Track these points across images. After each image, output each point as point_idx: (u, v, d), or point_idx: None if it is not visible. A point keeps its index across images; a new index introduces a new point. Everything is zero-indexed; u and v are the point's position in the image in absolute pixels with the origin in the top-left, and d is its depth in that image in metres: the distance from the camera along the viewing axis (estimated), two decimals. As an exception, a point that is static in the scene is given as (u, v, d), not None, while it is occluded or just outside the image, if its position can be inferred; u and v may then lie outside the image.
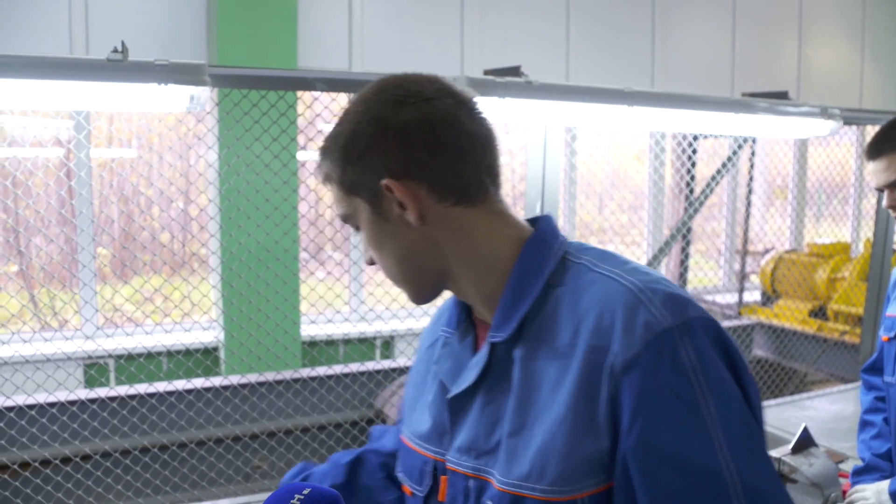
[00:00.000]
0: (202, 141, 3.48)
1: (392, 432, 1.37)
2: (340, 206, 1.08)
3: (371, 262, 1.12)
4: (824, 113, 2.84)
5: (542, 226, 1.08)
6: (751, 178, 5.36)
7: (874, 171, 1.96)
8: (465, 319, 1.14)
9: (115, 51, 1.83)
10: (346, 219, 1.09)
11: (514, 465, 0.99)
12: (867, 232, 6.05)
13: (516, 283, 1.04)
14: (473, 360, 1.07)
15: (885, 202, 1.97)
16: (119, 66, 1.83)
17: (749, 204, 5.41)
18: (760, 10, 6.31)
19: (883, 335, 2.11)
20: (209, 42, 4.25)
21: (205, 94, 1.98)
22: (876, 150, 1.94)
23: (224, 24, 4.09)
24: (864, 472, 2.12)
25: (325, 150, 1.07)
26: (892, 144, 1.92)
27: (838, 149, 5.52)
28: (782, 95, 2.79)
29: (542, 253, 1.05)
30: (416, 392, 1.21)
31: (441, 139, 1.01)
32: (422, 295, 1.11)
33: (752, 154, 5.29)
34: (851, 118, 3.22)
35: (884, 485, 1.94)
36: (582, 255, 1.04)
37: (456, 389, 1.07)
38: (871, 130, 5.25)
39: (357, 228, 1.10)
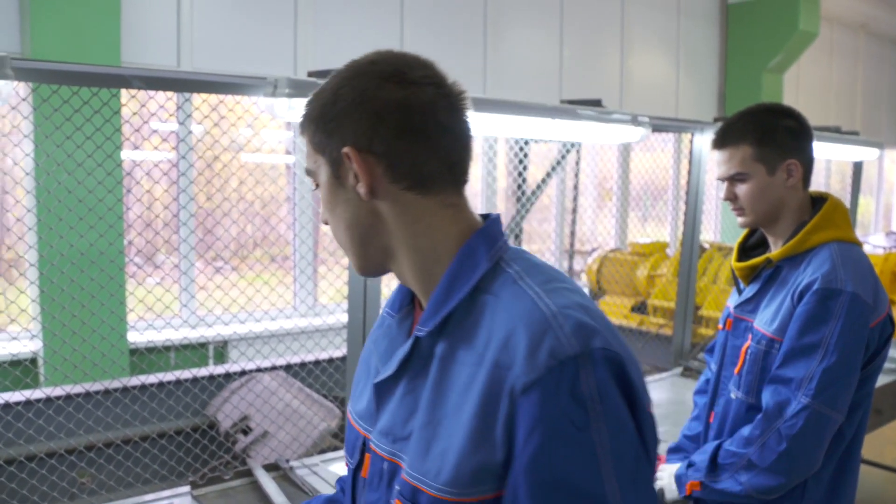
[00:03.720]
0: (8, 137, 3.25)
1: None
2: (308, 159, 1.13)
3: (325, 223, 1.15)
4: (634, 120, 3.03)
5: (486, 227, 1.10)
6: (577, 181, 5.62)
7: (717, 162, 2.02)
8: (407, 304, 1.18)
9: None
10: (309, 173, 1.14)
11: (419, 458, 1.03)
12: (683, 232, 6.50)
13: (448, 281, 1.06)
14: (400, 348, 1.11)
15: (723, 194, 2.04)
16: None
17: (576, 206, 5.67)
18: (586, 21, 6.64)
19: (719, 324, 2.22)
20: (22, 33, 3.98)
21: (7, 88, 1.87)
22: (720, 140, 2.01)
23: (38, 14, 3.85)
24: (674, 452, 2.26)
25: (308, 103, 1.12)
26: (735, 136, 1.98)
27: (662, 154, 5.90)
28: (596, 103, 2.95)
29: (478, 255, 1.07)
30: (363, 368, 1.25)
31: (411, 124, 1.05)
32: (365, 268, 1.14)
33: (578, 158, 5.54)
34: (660, 125, 3.45)
35: (676, 468, 2.08)
36: (514, 263, 1.06)
37: (381, 375, 1.12)
38: (686, 138, 5.64)
39: (317, 186, 1.14)
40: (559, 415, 0.92)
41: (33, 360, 3.86)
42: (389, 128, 1.04)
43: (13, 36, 3.99)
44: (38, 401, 2.87)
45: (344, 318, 4.85)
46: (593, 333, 0.96)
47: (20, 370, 3.67)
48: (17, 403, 2.81)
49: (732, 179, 2.02)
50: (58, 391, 2.93)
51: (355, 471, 1.19)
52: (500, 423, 0.95)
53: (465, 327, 1.03)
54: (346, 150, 1.05)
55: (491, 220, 1.12)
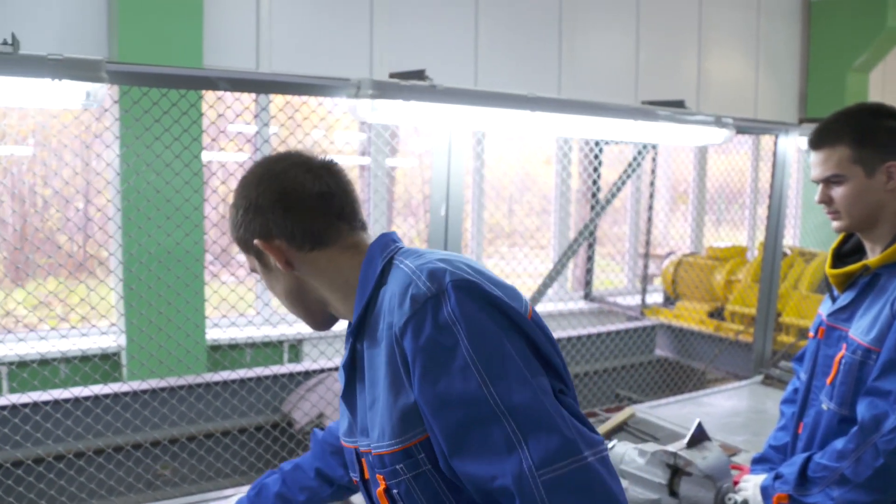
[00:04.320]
0: (100, 139, 3.36)
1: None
2: (247, 259, 1.40)
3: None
4: (718, 122, 2.96)
5: (377, 240, 1.34)
6: (653, 184, 5.52)
7: (813, 163, 1.94)
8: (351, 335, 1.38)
9: (5, 43, 1.76)
10: (253, 269, 1.40)
11: (373, 433, 1.25)
12: (762, 236, 6.33)
13: (359, 293, 1.30)
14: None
15: (817, 197, 1.96)
16: (9, 59, 1.76)
17: (651, 208, 5.57)
18: (663, 22, 6.53)
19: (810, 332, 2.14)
20: (110, 38, 4.11)
21: (102, 91, 1.93)
22: (816, 140, 1.93)
23: (126, 20, 3.97)
24: (758, 462, 2.19)
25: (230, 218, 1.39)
26: (832, 137, 1.90)
27: (737, 157, 5.76)
28: (679, 104, 2.89)
29: (372, 264, 1.30)
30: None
31: (288, 205, 1.31)
32: (314, 323, 1.40)
33: (654, 160, 5.45)
34: (744, 127, 3.36)
35: (761, 479, 2.02)
36: (402, 256, 1.28)
37: (341, 391, 1.35)
38: (769, 139, 5.47)
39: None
40: (429, 342, 1.13)
41: (117, 354, 3.98)
42: (274, 215, 1.31)
43: (101, 41, 4.12)
44: (125, 394, 2.96)
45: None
46: (444, 273, 1.18)
47: (109, 364, 3.78)
48: (107, 396, 2.90)
49: (828, 181, 1.94)
50: (143, 385, 3.02)
51: (362, 482, 1.38)
52: (400, 370, 1.17)
53: (374, 318, 1.25)
54: (255, 242, 1.32)
55: (382, 235, 1.35)
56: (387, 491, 1.26)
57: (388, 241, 1.34)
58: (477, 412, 1.11)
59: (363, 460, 1.33)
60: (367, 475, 1.34)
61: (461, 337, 1.12)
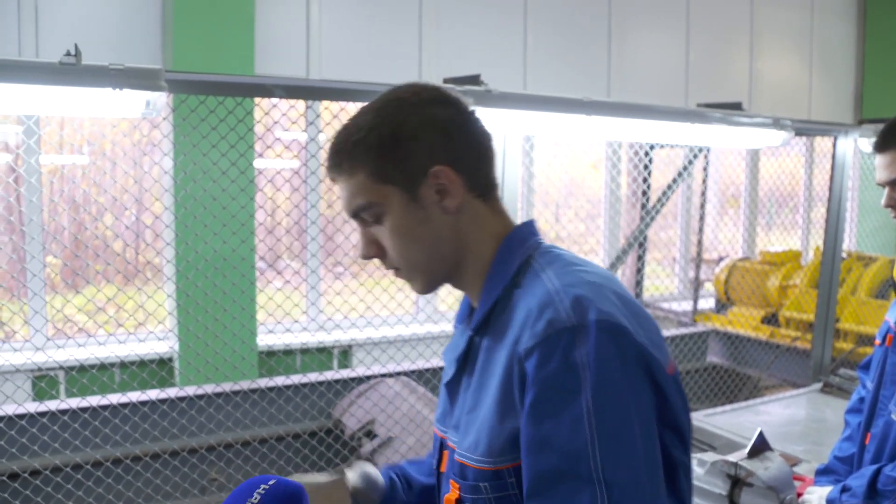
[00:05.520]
0: (157, 147, 3.42)
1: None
2: (362, 196, 1.15)
3: (370, 256, 1.21)
4: (776, 124, 2.90)
5: (517, 229, 1.20)
6: (705, 188, 5.44)
7: (878, 166, 1.91)
8: (468, 314, 1.26)
9: (68, 54, 1.79)
10: (365, 209, 1.16)
11: (463, 438, 1.15)
12: (816, 240, 6.19)
13: (488, 283, 1.18)
14: (458, 350, 1.23)
15: (883, 200, 1.92)
16: (72, 70, 1.80)
17: (703, 213, 5.49)
18: (713, 23, 6.43)
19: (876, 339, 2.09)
20: (164, 47, 4.18)
21: (161, 100, 1.95)
22: (883, 142, 1.89)
23: (180, 29, 4.03)
24: (823, 474, 2.14)
25: (355, 143, 1.14)
26: None
27: (788, 159, 5.64)
28: (736, 106, 2.84)
29: (511, 256, 1.17)
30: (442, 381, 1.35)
31: (472, 135, 1.17)
32: (432, 284, 1.22)
33: (706, 164, 5.37)
34: (802, 129, 3.29)
35: (826, 491, 1.96)
36: (541, 258, 1.16)
37: (447, 378, 1.25)
38: (820, 141, 5.36)
39: (370, 221, 1.17)
40: (551, 378, 1.01)
41: (171, 360, 4.04)
42: (458, 143, 1.15)
43: (155, 51, 4.19)
44: (181, 399, 3.00)
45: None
46: (590, 306, 1.04)
47: (165, 370, 3.84)
48: (163, 401, 2.94)
49: (894, 185, 1.89)
50: (198, 390, 3.05)
51: (437, 470, 1.29)
52: (515, 390, 1.06)
53: (502, 321, 1.14)
54: (437, 168, 1.13)
55: (523, 223, 1.22)
56: (459, 501, 1.16)
57: (528, 234, 1.20)
58: (574, 469, 0.99)
59: (445, 452, 1.24)
60: (443, 468, 1.25)
61: (586, 386, 1.00)
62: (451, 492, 1.18)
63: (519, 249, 1.17)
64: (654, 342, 1.08)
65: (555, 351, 1.02)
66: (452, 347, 1.28)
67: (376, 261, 1.22)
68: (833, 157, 3.50)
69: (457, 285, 1.23)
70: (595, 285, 1.08)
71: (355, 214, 1.19)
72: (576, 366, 1.00)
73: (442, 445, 1.26)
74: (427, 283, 1.21)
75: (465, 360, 1.21)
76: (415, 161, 1.13)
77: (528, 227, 1.21)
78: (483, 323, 1.17)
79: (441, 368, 3.55)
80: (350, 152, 1.15)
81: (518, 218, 1.28)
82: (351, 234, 4.36)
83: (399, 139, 1.12)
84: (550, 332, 1.03)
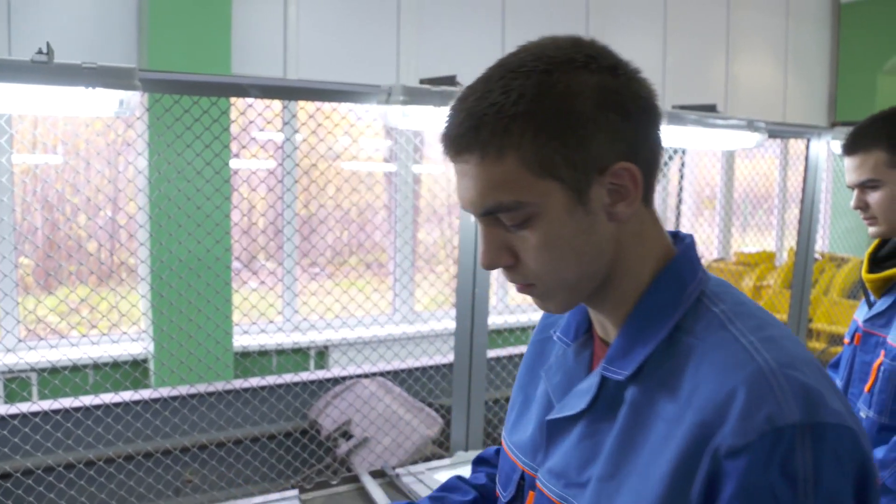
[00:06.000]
0: (132, 147, 3.39)
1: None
2: (508, 191, 0.85)
3: (498, 266, 0.91)
4: (751, 126, 2.92)
5: (683, 251, 0.94)
6: (680, 189, 5.48)
7: (848, 168, 1.91)
8: (584, 332, 1.02)
9: (40, 52, 1.77)
10: (508, 209, 0.86)
11: (586, 499, 0.91)
12: (790, 241, 6.25)
13: (643, 316, 0.91)
14: (583, 385, 0.96)
15: (852, 202, 1.93)
16: (44, 68, 1.78)
17: (679, 214, 5.53)
18: (691, 26, 6.49)
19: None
20: (140, 46, 4.15)
21: (135, 99, 1.93)
22: (850, 145, 1.90)
23: (156, 28, 4.01)
24: None
25: (512, 116, 0.83)
26: (867, 141, 1.87)
27: (763, 161, 5.70)
28: (711, 108, 2.86)
29: (678, 288, 0.91)
30: (523, 394, 1.12)
31: (652, 116, 0.88)
32: (572, 305, 0.95)
33: (682, 165, 5.41)
34: (775, 131, 3.32)
35: None
36: (718, 301, 0.90)
37: (558, 413, 0.97)
38: (794, 143, 5.42)
39: (508, 224, 0.88)
40: (764, 488, 0.78)
41: (146, 361, 4.01)
42: (638, 128, 0.86)
43: (131, 50, 4.16)
44: (155, 401, 2.98)
45: (440, 325, 4.88)
46: (820, 401, 0.80)
47: (139, 371, 3.81)
48: (136, 403, 2.92)
49: (863, 187, 1.91)
50: (172, 392, 3.03)
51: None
52: (696, 485, 0.81)
53: (663, 374, 0.87)
54: (621, 165, 0.85)
55: (688, 244, 0.94)
56: None
57: (695, 261, 0.94)
58: None
59: (532, 493, 1.01)
60: None
61: (807, 501, 0.78)
62: None
63: (688, 283, 0.91)
64: (868, 443, 0.84)
65: (772, 456, 0.78)
66: (560, 369, 1.02)
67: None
68: (806, 159, 3.54)
69: (592, 305, 0.97)
70: (812, 365, 0.84)
71: (488, 213, 0.88)
72: (795, 476, 0.78)
73: (528, 484, 1.03)
74: (567, 304, 0.94)
75: (593, 408, 0.93)
76: (591, 151, 0.84)
77: (694, 252, 0.95)
78: (637, 369, 0.89)
79: (420, 369, 3.57)
80: (500, 127, 0.83)
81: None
82: (326, 234, 4.35)
83: (576, 118, 0.83)
84: (767, 429, 0.78)
